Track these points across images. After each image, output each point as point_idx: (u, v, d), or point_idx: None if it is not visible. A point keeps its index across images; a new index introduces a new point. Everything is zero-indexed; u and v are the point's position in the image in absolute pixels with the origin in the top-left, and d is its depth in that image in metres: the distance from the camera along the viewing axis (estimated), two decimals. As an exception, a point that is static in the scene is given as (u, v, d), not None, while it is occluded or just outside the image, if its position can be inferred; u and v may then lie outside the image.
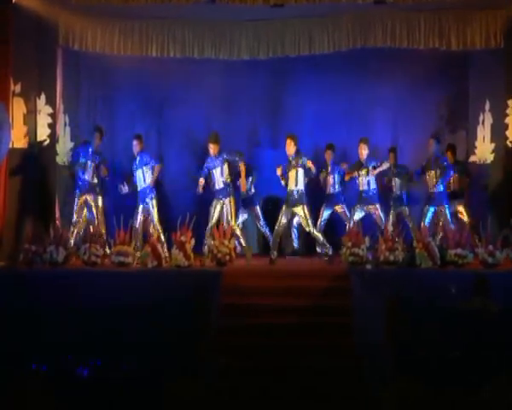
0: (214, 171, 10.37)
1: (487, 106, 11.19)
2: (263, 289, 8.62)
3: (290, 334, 7.83)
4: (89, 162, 10.60)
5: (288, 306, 8.25)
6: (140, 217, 10.32)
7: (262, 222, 11.44)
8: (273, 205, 11.92)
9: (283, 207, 10.17)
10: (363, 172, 10.50)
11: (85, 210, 10.67)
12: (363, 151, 10.53)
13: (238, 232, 10.41)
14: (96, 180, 10.69)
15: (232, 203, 10.31)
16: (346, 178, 10.80)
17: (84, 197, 10.62)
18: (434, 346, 6.02)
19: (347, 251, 9.29)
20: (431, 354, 5.96)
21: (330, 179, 11.14)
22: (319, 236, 10.16)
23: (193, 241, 9.48)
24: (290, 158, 10.10)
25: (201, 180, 10.34)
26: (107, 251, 9.73)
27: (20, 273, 9.09)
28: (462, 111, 11.92)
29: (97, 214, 10.57)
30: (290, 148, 10.08)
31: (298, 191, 10.04)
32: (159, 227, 10.17)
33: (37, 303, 7.11)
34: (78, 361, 5.99)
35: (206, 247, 9.97)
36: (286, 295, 8.47)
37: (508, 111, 10.73)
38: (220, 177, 10.35)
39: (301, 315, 8.14)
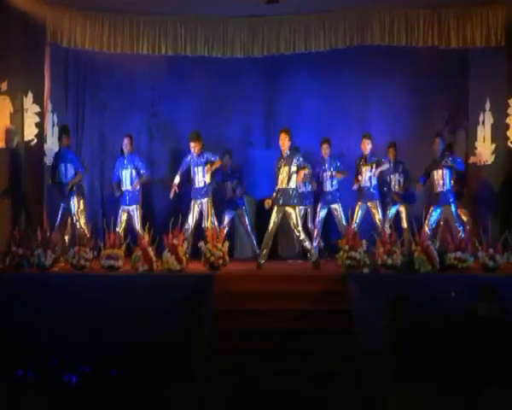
0: (196, 169, 10.16)
1: (488, 105, 11.02)
2: (258, 293, 8.48)
3: (288, 339, 7.71)
4: (67, 166, 10.44)
5: (285, 310, 8.14)
6: (123, 219, 10.41)
7: (247, 225, 11.31)
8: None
9: (275, 208, 9.75)
10: (366, 167, 10.44)
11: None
12: (367, 146, 10.50)
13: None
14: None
15: (209, 204, 10.11)
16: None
17: (66, 200, 10.48)
18: (435, 350, 5.96)
19: (344, 255, 9.07)
20: (431, 359, 5.91)
21: (327, 175, 10.86)
22: (306, 243, 9.82)
23: (185, 244, 9.32)
24: (285, 154, 9.74)
25: (175, 183, 10.10)
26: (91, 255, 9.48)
27: (7, 277, 8.85)
28: (462, 111, 11.79)
29: (78, 216, 10.47)
30: (285, 143, 9.72)
31: (291, 190, 9.69)
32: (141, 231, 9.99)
33: (23, 308, 7.05)
34: (66, 367, 5.90)
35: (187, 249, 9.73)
36: (283, 300, 8.35)
37: (509, 111, 10.64)
38: (202, 177, 10.15)
39: (298, 320, 8.03)
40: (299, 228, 9.74)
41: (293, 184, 9.69)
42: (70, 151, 10.62)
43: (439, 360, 5.88)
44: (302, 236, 9.76)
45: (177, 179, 10.13)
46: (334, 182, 10.80)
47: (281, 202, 9.67)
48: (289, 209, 9.68)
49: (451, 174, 10.20)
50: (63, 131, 10.63)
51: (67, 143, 10.58)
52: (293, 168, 9.66)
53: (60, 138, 10.62)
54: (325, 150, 10.89)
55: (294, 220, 9.68)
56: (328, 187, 10.83)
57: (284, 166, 9.69)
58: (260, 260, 9.74)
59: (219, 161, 10.31)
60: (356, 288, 8.01)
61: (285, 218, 9.83)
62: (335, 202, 10.75)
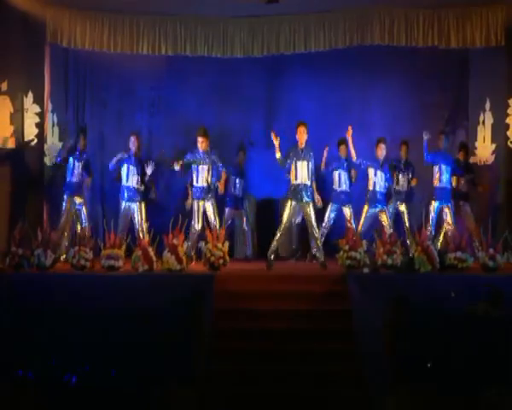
0: (200, 167, 10.01)
1: (488, 105, 11.06)
2: (258, 293, 8.46)
3: (288, 339, 7.70)
4: (76, 163, 10.45)
5: (285, 310, 8.12)
6: (126, 216, 10.33)
7: (246, 224, 11.30)
8: (266, 207, 11.80)
9: (289, 203, 9.64)
10: (380, 173, 10.33)
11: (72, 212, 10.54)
12: (383, 151, 10.38)
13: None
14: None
15: (215, 205, 10.00)
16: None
17: (72, 198, 10.43)
18: (435, 350, 5.96)
19: (344, 255, 9.04)
20: (431, 359, 5.91)
21: (343, 176, 10.79)
22: (319, 240, 9.79)
23: (185, 244, 9.32)
24: (302, 147, 9.61)
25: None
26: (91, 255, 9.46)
27: (7, 277, 8.85)
28: (462, 111, 11.79)
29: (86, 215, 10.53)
30: (303, 136, 9.60)
31: (307, 186, 9.59)
32: (145, 229, 9.98)
33: (23, 308, 6.97)
34: (66, 367, 5.91)
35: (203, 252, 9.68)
36: (283, 300, 8.33)
37: (509, 111, 10.65)
38: (207, 175, 9.98)
39: (298, 320, 8.01)
40: (315, 225, 9.64)
41: (309, 181, 9.62)
42: (87, 155, 10.68)
43: (439, 360, 5.88)
44: (316, 233, 9.70)
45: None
46: (349, 183, 10.80)
47: (300, 197, 9.57)
48: (307, 205, 9.61)
49: (452, 171, 10.35)
50: (82, 131, 10.67)
51: (85, 145, 10.59)
52: (311, 164, 9.63)
53: (77, 140, 10.58)
54: (343, 151, 10.83)
55: (312, 217, 9.60)
56: (344, 187, 10.77)
57: (302, 160, 9.59)
58: (270, 256, 9.65)
59: (223, 178, 10.24)
60: (356, 288, 8.01)
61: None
62: (348, 203, 10.72)
